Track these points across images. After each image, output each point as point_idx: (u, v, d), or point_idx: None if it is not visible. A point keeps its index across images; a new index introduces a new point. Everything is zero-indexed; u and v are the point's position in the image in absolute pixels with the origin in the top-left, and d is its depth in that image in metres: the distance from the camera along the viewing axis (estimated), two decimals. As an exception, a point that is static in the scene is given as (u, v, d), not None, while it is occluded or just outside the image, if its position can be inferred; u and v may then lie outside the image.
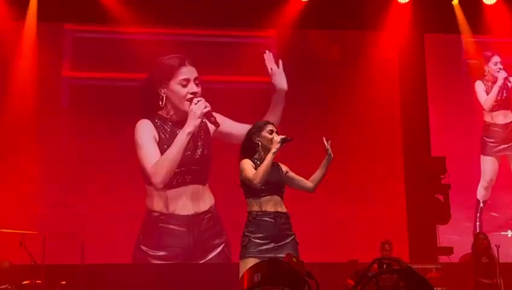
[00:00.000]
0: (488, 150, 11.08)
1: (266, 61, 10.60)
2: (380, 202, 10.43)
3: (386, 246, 9.25)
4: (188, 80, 10.15)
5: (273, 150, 4.84)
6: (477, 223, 10.83)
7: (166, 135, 10.09)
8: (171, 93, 10.19)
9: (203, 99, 10.01)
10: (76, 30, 10.63)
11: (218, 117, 10.08)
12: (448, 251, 10.11)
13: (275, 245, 4.77)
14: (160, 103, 10.16)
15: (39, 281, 8.18)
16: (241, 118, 10.05)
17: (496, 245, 9.12)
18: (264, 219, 4.82)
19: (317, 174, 5.16)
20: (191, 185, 10.03)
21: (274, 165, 4.98)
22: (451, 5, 11.00)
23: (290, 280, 4.07)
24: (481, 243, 9.11)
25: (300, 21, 10.62)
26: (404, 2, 10.89)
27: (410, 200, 10.61)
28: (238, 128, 9.76)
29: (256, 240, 4.76)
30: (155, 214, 10.01)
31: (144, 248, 9.91)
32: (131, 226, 9.99)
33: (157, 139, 10.07)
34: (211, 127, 10.21)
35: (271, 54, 10.64)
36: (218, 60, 10.54)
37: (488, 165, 11.02)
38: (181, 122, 10.09)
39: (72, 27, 10.59)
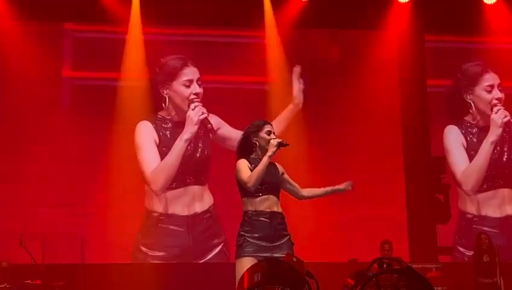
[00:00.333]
0: None
1: (294, 75, 10.56)
2: (380, 202, 10.43)
3: (386, 246, 9.24)
4: (191, 81, 10.16)
5: (269, 153, 4.82)
6: None
7: (167, 136, 10.10)
8: (173, 94, 10.20)
9: (200, 105, 10.02)
10: (77, 30, 10.63)
11: (216, 121, 10.09)
12: (448, 250, 10.11)
13: (270, 245, 4.77)
14: (164, 104, 10.16)
15: (39, 281, 8.17)
16: (240, 118, 10.04)
17: (496, 245, 9.13)
18: (259, 218, 4.81)
19: (317, 192, 5.14)
20: (190, 186, 10.03)
21: (271, 165, 4.97)
22: (451, 5, 10.98)
23: (290, 279, 4.07)
24: (483, 243, 9.11)
25: (300, 21, 10.62)
26: (404, 1, 10.89)
27: (411, 200, 10.60)
28: (235, 135, 9.76)
29: (252, 240, 4.76)
30: (155, 214, 10.01)
31: (143, 248, 9.91)
32: (132, 225, 10.00)
33: (157, 141, 10.07)
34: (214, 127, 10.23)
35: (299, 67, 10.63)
36: (218, 60, 10.54)
37: None
38: (182, 123, 10.11)
39: (72, 27, 10.59)
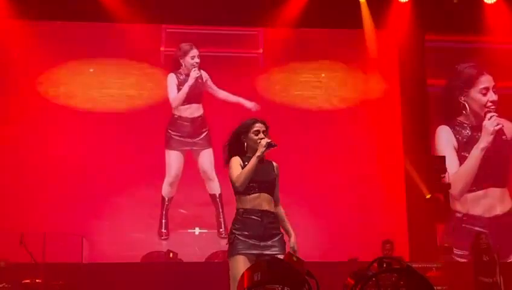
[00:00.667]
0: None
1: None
2: (381, 201, 10.43)
3: (387, 245, 9.24)
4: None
5: (258, 153, 4.78)
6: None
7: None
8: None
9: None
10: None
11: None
12: (448, 250, 10.11)
13: (261, 243, 4.74)
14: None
15: (39, 280, 8.17)
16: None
17: (496, 244, 9.14)
18: (250, 217, 4.78)
19: (282, 224, 5.04)
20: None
21: (266, 163, 4.95)
22: (451, 4, 10.98)
23: (290, 278, 4.06)
24: (482, 242, 9.10)
25: (301, 20, 10.62)
26: (404, 1, 10.88)
27: (411, 200, 10.60)
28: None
29: (242, 238, 4.73)
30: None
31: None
32: (133, 224, 10.01)
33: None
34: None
35: None
36: (217, 58, 10.57)
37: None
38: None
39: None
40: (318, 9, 10.57)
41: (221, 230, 10.34)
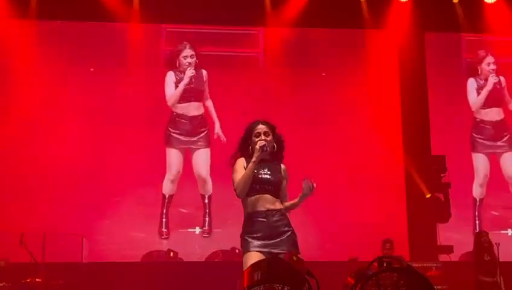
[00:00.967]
0: (478, 147, 11.10)
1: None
2: (381, 201, 10.43)
3: (387, 245, 9.23)
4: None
5: (253, 158, 4.78)
6: (477, 222, 10.83)
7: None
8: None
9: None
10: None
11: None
12: (448, 249, 10.10)
13: (271, 242, 4.74)
14: None
15: (39, 279, 8.17)
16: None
17: (496, 243, 9.13)
18: (256, 219, 4.78)
19: (289, 205, 5.03)
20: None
21: (273, 165, 4.94)
22: (451, 3, 10.98)
23: (291, 278, 4.06)
24: (483, 242, 9.10)
25: (301, 19, 10.61)
26: (404, 0, 10.88)
27: (411, 199, 10.60)
28: None
29: (252, 240, 4.75)
30: None
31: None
32: (133, 223, 10.01)
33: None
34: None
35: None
36: (218, 57, 10.58)
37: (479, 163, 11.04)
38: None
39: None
40: (318, 9, 10.57)
41: (204, 229, 10.36)
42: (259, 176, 4.82)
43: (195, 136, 10.54)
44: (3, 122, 10.05)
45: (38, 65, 10.21)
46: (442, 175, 10.24)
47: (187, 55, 10.63)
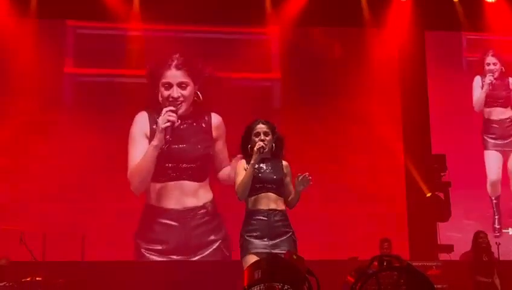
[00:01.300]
0: (489, 145, 11.16)
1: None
2: (381, 200, 10.42)
3: (385, 244, 9.24)
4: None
5: (252, 161, 4.79)
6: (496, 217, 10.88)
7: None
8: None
9: (170, 111, 10.02)
10: (79, 26, 10.64)
11: (222, 143, 10.15)
12: (449, 248, 10.11)
13: (270, 242, 4.75)
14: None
15: (39, 278, 8.17)
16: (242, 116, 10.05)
17: (496, 243, 9.13)
18: (257, 217, 4.79)
19: (292, 196, 5.03)
20: (186, 181, 10.07)
21: (275, 162, 4.95)
22: (452, 2, 10.98)
23: (291, 277, 4.07)
24: (481, 242, 9.10)
25: (301, 18, 10.61)
26: (404, -1, 10.90)
27: (411, 198, 10.61)
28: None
29: (251, 239, 4.75)
30: (149, 207, 10.08)
31: (138, 241, 9.98)
32: (133, 223, 10.00)
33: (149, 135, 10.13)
34: (214, 127, 10.26)
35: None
36: (218, 56, 10.55)
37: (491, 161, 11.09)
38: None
39: (74, 23, 10.60)
40: (319, 8, 10.57)
41: None
42: (262, 175, 4.83)
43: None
44: (3, 121, 10.05)
45: (39, 63, 10.20)
46: (442, 174, 10.24)
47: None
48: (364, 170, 10.52)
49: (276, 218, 4.83)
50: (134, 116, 10.23)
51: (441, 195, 10.29)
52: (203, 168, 10.16)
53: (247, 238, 4.77)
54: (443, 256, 10.09)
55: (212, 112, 10.36)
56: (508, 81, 11.26)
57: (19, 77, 10.11)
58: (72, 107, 10.35)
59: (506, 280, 8.93)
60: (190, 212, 10.02)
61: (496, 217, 10.80)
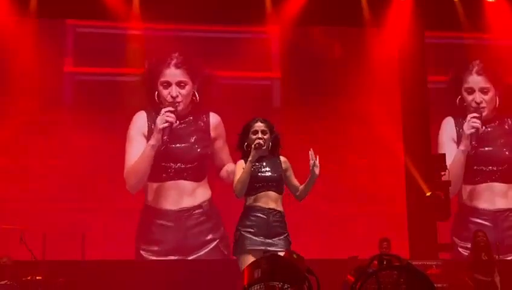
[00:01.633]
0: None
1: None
2: (381, 199, 10.43)
3: (384, 243, 9.24)
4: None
5: (250, 158, 4.79)
6: None
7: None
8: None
9: (474, 116, 10.46)
10: (79, 25, 10.64)
11: (222, 142, 10.15)
12: (449, 247, 10.11)
13: (265, 240, 4.75)
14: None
15: (39, 277, 8.18)
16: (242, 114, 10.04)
17: (497, 242, 9.13)
18: (256, 214, 4.80)
19: (302, 188, 5.05)
20: (183, 181, 10.07)
21: (273, 160, 4.96)
22: (452, 2, 10.98)
23: (291, 276, 4.07)
24: (480, 240, 9.10)
25: (301, 18, 10.61)
26: (405, -2, 10.90)
27: (411, 197, 10.61)
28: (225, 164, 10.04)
29: (247, 235, 4.75)
30: (146, 208, 10.11)
31: (137, 242, 10.02)
32: (132, 222, 10.01)
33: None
34: (212, 126, 10.27)
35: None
36: (218, 55, 10.55)
37: None
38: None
39: (74, 22, 10.60)
40: (319, 8, 10.57)
41: None
42: (261, 174, 4.83)
43: None
44: (3, 121, 10.05)
45: (39, 62, 10.20)
46: (442, 173, 10.25)
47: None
48: (364, 170, 10.53)
49: (275, 218, 4.84)
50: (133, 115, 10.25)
51: (441, 194, 10.29)
52: (200, 168, 10.18)
53: (243, 233, 4.77)
54: (443, 255, 10.10)
55: (212, 111, 10.38)
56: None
57: (19, 76, 10.10)
58: (72, 107, 10.36)
59: (505, 278, 8.93)
60: (186, 212, 10.04)
61: None
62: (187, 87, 10.30)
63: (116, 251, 9.79)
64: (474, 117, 10.63)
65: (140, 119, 10.23)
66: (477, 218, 10.44)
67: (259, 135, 4.90)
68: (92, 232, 9.67)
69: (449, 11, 10.95)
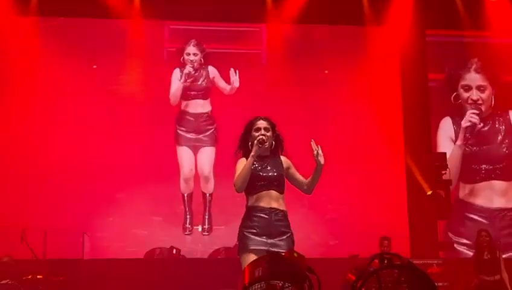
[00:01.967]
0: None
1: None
2: (381, 198, 10.44)
3: (385, 242, 9.22)
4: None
5: (252, 152, 4.79)
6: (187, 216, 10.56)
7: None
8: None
9: (473, 112, 10.77)
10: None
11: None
12: (450, 246, 10.11)
13: (268, 241, 4.74)
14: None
15: (40, 276, 8.18)
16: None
17: (498, 242, 9.12)
18: (258, 214, 4.78)
19: (310, 180, 5.05)
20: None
21: (274, 159, 4.96)
22: (453, 0, 10.97)
23: (291, 275, 4.06)
24: (483, 240, 9.08)
25: (302, 16, 10.61)
26: (405, -3, 10.91)
27: (411, 196, 10.61)
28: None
29: (250, 235, 4.75)
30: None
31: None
32: (133, 221, 10.02)
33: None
34: None
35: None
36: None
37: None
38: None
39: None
40: (320, 6, 10.57)
41: (204, 227, 10.39)
42: (262, 174, 4.83)
43: (200, 134, 10.51)
44: (4, 119, 10.06)
45: (39, 62, 10.21)
46: (443, 172, 10.24)
47: (190, 52, 10.59)
48: (365, 168, 10.52)
49: (277, 217, 4.82)
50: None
51: (442, 193, 10.28)
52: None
53: (245, 233, 4.76)
54: (444, 254, 10.10)
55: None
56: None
57: (19, 76, 10.12)
58: (74, 105, 10.37)
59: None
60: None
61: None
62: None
63: (116, 250, 9.81)
64: (473, 113, 10.69)
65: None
66: (473, 214, 10.49)
67: (262, 132, 4.91)
68: (92, 231, 9.67)
69: (450, 9, 10.95)
